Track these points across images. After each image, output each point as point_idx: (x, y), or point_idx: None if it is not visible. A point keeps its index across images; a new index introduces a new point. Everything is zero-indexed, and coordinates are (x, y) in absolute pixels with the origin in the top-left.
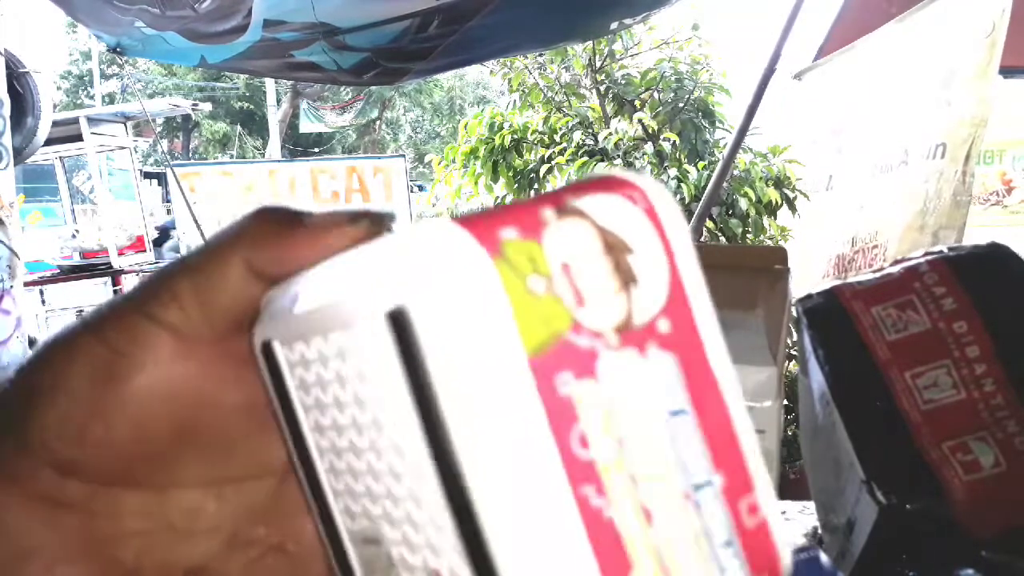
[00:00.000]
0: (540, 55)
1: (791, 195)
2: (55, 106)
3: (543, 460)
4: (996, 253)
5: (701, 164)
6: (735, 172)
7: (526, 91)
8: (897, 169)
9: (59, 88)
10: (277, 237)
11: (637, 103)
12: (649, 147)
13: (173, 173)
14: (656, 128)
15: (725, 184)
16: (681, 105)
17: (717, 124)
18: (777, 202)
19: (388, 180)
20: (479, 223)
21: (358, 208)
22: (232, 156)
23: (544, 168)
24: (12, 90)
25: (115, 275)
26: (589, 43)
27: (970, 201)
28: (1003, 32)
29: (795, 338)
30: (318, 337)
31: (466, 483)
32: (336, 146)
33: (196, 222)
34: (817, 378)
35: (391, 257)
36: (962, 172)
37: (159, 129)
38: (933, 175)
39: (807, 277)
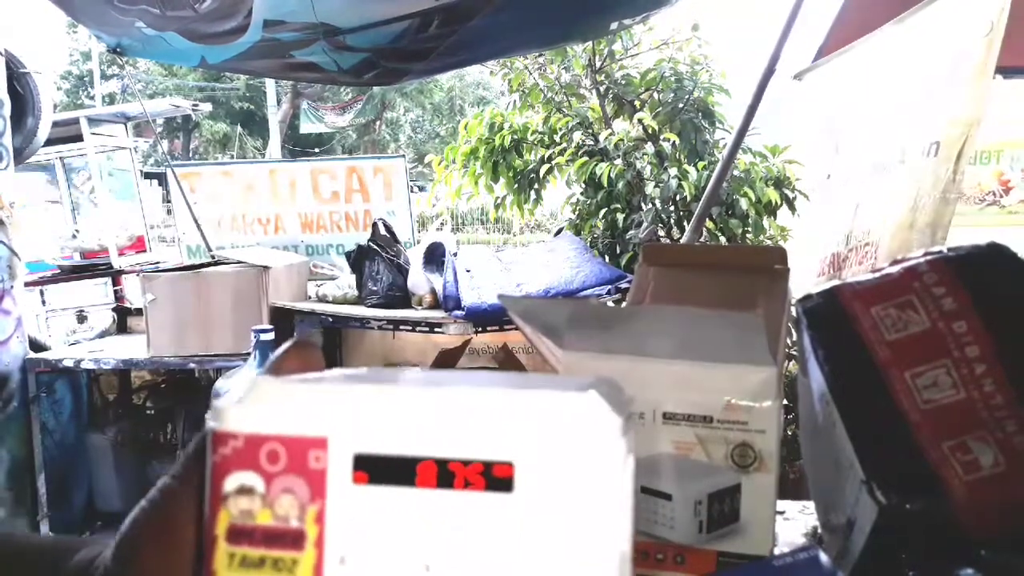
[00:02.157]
0: (540, 55)
1: (791, 195)
2: (55, 106)
3: None
4: (996, 253)
5: (701, 164)
6: (735, 172)
7: (526, 91)
8: (894, 168)
9: (59, 88)
10: None
11: (637, 103)
12: (649, 147)
13: (173, 173)
14: (656, 128)
15: (725, 184)
16: (681, 105)
17: (717, 124)
18: (777, 202)
19: (388, 180)
20: None
21: None
22: (232, 156)
23: (544, 168)
24: (12, 90)
25: (115, 275)
26: (589, 43)
27: (958, 198)
28: (1001, 32)
29: (795, 338)
30: None
31: None
32: (336, 146)
33: (196, 222)
34: (817, 378)
35: None
36: (953, 171)
37: (159, 129)
38: (926, 173)
39: (806, 277)
